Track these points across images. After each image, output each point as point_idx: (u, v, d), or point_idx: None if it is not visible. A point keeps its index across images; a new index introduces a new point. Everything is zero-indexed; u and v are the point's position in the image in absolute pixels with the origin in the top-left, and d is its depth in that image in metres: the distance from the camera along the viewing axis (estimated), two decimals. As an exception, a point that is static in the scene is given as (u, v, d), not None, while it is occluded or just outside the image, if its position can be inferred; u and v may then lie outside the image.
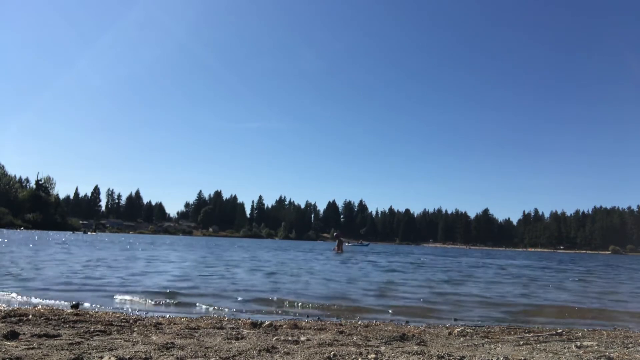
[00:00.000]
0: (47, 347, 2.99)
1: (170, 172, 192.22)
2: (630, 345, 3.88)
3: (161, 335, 3.69)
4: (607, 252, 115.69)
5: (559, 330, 4.58)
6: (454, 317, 5.89)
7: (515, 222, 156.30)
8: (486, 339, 4.03)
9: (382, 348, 3.39)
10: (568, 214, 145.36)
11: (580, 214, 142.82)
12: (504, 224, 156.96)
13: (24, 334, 3.42)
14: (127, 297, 6.50)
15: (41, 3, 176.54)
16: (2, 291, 6.51)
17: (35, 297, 6.14)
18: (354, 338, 3.87)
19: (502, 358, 3.09)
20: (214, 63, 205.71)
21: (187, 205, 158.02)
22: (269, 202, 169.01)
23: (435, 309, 6.57)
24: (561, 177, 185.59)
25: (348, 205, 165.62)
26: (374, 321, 5.28)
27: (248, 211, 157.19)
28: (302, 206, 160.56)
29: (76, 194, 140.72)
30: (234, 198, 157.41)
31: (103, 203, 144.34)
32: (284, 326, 4.47)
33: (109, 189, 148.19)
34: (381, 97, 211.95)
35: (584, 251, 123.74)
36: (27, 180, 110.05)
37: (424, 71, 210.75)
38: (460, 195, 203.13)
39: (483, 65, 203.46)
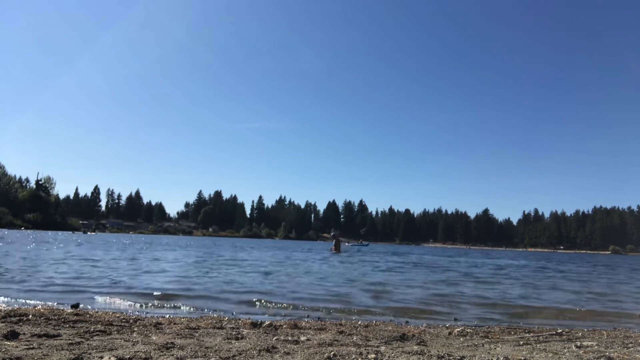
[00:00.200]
0: (47, 347, 2.99)
1: (170, 172, 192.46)
2: (630, 345, 3.88)
3: (161, 335, 3.69)
4: (607, 252, 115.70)
5: (559, 330, 4.58)
6: (454, 317, 5.89)
7: (515, 222, 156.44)
8: (486, 339, 4.03)
9: (382, 348, 3.39)
10: (568, 214, 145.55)
11: (580, 214, 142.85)
12: (504, 224, 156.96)
13: (24, 333, 3.42)
14: (109, 299, 6.31)
15: (41, 3, 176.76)
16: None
17: (19, 299, 5.98)
18: (354, 338, 3.87)
19: (502, 358, 3.09)
20: (214, 63, 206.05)
21: (187, 205, 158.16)
22: (269, 202, 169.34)
23: (435, 309, 6.57)
24: (561, 177, 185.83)
25: (348, 205, 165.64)
26: (374, 321, 5.28)
27: (248, 211, 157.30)
28: (302, 206, 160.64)
29: (76, 194, 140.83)
30: (234, 198, 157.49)
31: (103, 203, 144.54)
32: (284, 326, 4.47)
33: (109, 189, 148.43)
34: (381, 97, 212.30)
35: (584, 251, 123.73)
36: (27, 180, 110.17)
37: (424, 71, 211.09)
38: (460, 195, 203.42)
39: (483, 65, 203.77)
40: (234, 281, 9.12)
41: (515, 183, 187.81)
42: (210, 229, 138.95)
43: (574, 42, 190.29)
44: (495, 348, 3.57)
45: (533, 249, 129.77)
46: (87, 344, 3.12)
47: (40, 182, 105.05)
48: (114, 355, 2.77)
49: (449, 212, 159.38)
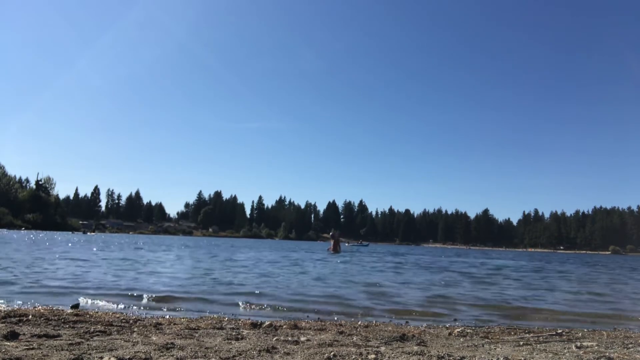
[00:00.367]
0: (47, 347, 2.99)
1: (170, 172, 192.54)
2: (630, 345, 3.88)
3: (161, 335, 3.69)
4: (607, 253, 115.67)
5: (559, 331, 4.58)
6: (454, 318, 5.89)
7: (515, 223, 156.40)
8: (486, 339, 4.03)
9: (382, 348, 3.39)
10: (568, 214, 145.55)
11: (580, 214, 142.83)
12: (504, 224, 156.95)
13: (24, 334, 3.42)
14: (92, 301, 6.12)
15: (41, 3, 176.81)
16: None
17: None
18: (354, 338, 3.87)
19: (502, 358, 3.09)
20: (214, 63, 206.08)
21: (187, 205, 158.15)
22: (269, 202, 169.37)
23: (434, 309, 6.57)
24: (561, 177, 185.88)
25: (348, 205, 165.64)
26: (373, 322, 5.28)
27: (248, 211, 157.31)
28: (302, 206, 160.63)
29: (76, 194, 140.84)
30: (234, 198, 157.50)
31: (103, 203, 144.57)
32: (284, 326, 4.47)
33: (109, 189, 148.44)
34: (381, 97, 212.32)
35: (584, 251, 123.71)
36: (27, 180, 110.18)
37: (424, 71, 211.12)
38: (460, 195, 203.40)
39: (483, 65, 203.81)
40: (232, 281, 9.12)
41: (515, 183, 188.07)
42: (210, 230, 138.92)
43: (574, 42, 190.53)
44: (495, 348, 3.57)
45: (533, 250, 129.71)
46: (87, 345, 3.12)
47: (40, 183, 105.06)
48: (114, 356, 2.77)
49: (449, 212, 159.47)
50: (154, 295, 6.72)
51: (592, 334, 4.71)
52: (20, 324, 3.94)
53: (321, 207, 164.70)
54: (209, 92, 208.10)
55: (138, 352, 2.91)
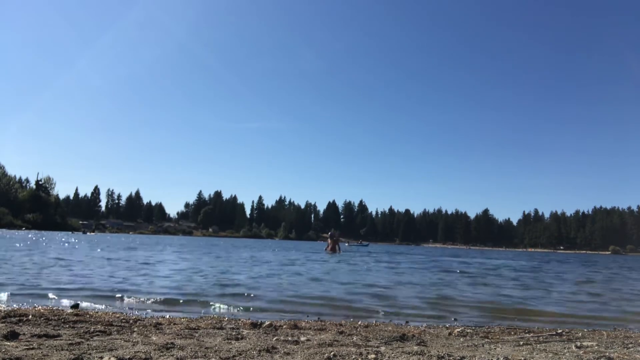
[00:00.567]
0: (47, 347, 2.99)
1: (170, 172, 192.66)
2: (630, 345, 3.88)
3: (161, 335, 3.68)
4: (607, 253, 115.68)
5: (559, 331, 4.58)
6: (454, 318, 5.88)
7: (515, 223, 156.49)
8: (486, 339, 4.03)
9: (382, 348, 3.39)
10: (568, 214, 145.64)
11: (580, 214, 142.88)
12: (504, 224, 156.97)
13: (24, 334, 3.42)
14: (92, 301, 6.05)
15: (41, 3, 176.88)
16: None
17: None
18: (354, 338, 3.87)
19: (502, 358, 3.09)
20: (214, 63, 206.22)
21: (187, 205, 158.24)
22: (269, 202, 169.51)
23: (434, 309, 6.57)
24: (561, 177, 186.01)
25: (348, 205, 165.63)
26: (373, 321, 5.28)
27: (248, 211, 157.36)
28: (302, 206, 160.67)
29: (76, 194, 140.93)
30: (234, 198, 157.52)
31: (103, 203, 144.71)
32: (284, 326, 4.47)
33: (109, 189, 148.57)
34: (381, 97, 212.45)
35: (584, 251, 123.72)
36: (27, 180, 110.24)
37: (424, 71, 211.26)
38: (460, 195, 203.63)
39: (483, 65, 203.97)
40: (232, 282, 9.11)
41: (515, 183, 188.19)
42: (210, 229, 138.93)
43: (574, 42, 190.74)
44: (495, 348, 3.57)
45: (533, 249, 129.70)
46: (87, 344, 3.12)
47: (40, 183, 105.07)
48: (114, 356, 2.77)
49: (449, 212, 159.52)
50: (154, 296, 6.72)
51: (592, 333, 4.71)
52: (20, 323, 3.94)
53: (321, 207, 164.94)
54: (209, 92, 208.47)
55: (138, 352, 2.91)
